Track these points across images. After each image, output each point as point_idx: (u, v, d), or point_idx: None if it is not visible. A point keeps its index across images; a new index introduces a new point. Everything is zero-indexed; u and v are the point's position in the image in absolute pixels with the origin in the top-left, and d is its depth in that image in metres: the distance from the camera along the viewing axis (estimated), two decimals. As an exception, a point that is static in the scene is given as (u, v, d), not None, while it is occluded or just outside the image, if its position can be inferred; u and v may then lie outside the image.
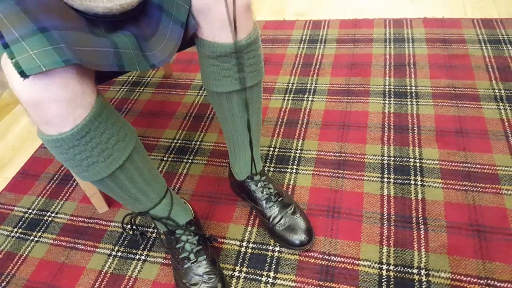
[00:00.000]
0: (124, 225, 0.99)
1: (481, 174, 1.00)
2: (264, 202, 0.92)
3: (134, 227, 0.91)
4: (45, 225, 1.05)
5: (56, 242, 1.01)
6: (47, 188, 1.15)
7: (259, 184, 0.93)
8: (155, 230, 0.95)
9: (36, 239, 1.02)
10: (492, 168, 1.01)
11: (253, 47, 0.73)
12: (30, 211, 1.10)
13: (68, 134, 0.57)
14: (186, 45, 0.81)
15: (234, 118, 0.82)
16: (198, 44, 0.72)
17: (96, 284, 0.91)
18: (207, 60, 0.73)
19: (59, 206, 1.10)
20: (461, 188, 0.98)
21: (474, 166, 1.02)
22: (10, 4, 0.53)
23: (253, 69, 0.75)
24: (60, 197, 1.12)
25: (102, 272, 0.93)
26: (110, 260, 0.95)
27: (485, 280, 0.81)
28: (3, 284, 0.94)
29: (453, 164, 1.03)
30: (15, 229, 1.06)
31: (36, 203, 1.12)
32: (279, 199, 0.93)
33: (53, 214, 1.08)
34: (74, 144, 0.59)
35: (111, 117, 0.63)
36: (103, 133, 0.61)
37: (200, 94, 1.40)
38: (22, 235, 1.04)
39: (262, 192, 0.93)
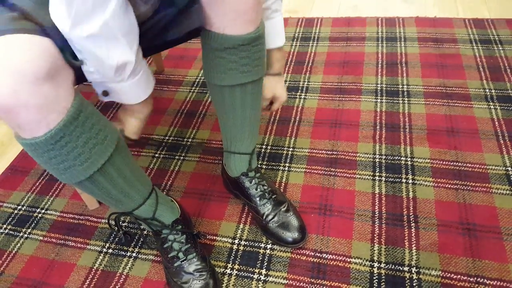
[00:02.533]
0: (111, 223, 0.98)
1: (472, 173, 1.01)
2: (258, 199, 0.92)
3: (118, 226, 0.89)
4: (35, 221, 1.04)
5: (46, 239, 1.00)
6: (37, 184, 1.14)
7: (254, 181, 0.93)
8: (140, 231, 0.93)
9: (25, 235, 1.01)
10: (482, 167, 1.02)
11: (260, 41, 0.73)
12: (19, 207, 1.08)
13: (42, 139, 0.55)
14: (189, 37, 0.78)
15: (235, 112, 0.82)
16: (205, 37, 0.72)
17: (87, 281, 0.90)
18: (214, 53, 0.72)
19: (49, 203, 1.08)
20: (452, 186, 0.99)
21: (465, 165, 1.03)
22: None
23: (258, 63, 0.75)
24: (50, 193, 1.11)
25: (93, 269, 0.92)
26: (101, 257, 0.95)
27: (475, 278, 0.82)
28: (-9, 282, 0.92)
29: (444, 162, 1.04)
30: (4, 226, 1.04)
31: (25, 199, 1.10)
32: (273, 197, 0.93)
33: (43, 211, 1.06)
34: (48, 148, 0.57)
35: (89, 120, 0.60)
36: (79, 137, 0.59)
37: (192, 90, 1.39)
38: (11, 232, 1.02)
39: (256, 189, 0.93)
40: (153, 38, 0.73)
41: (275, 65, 0.92)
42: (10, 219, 1.06)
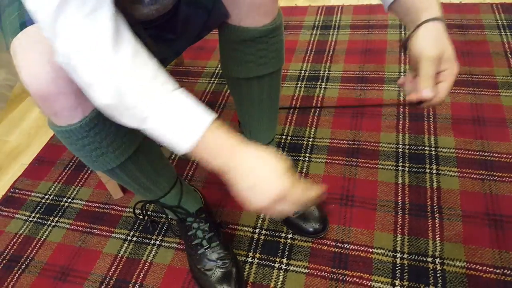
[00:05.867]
0: (136, 211, 1.00)
1: (498, 163, 0.98)
2: (278, 190, 0.92)
3: (144, 214, 0.91)
4: (62, 210, 1.07)
5: (72, 227, 1.03)
6: (63, 174, 1.17)
7: (273, 171, 0.93)
8: (164, 218, 0.95)
9: (53, 223, 1.04)
10: (509, 157, 0.99)
11: (277, 32, 0.72)
12: (47, 196, 1.12)
13: (77, 126, 0.57)
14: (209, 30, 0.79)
15: (252, 104, 0.82)
16: (222, 29, 0.71)
17: (112, 268, 0.93)
18: (230, 45, 0.72)
19: (75, 192, 1.11)
20: (478, 177, 0.96)
21: (491, 155, 1.00)
22: None
23: (275, 55, 0.75)
24: (76, 183, 1.14)
25: (118, 257, 0.95)
26: (125, 245, 0.97)
27: (501, 270, 0.80)
28: (22, 267, 0.96)
29: (470, 152, 1.02)
30: (33, 214, 1.08)
31: (52, 188, 1.13)
32: (293, 187, 0.93)
33: (69, 200, 1.10)
34: (83, 135, 0.59)
35: None
36: (112, 124, 0.60)
37: (211, 82, 1.39)
38: (40, 220, 1.06)
39: (277, 180, 0.92)
40: (188, 42, 0.73)
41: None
42: (38, 208, 1.09)
